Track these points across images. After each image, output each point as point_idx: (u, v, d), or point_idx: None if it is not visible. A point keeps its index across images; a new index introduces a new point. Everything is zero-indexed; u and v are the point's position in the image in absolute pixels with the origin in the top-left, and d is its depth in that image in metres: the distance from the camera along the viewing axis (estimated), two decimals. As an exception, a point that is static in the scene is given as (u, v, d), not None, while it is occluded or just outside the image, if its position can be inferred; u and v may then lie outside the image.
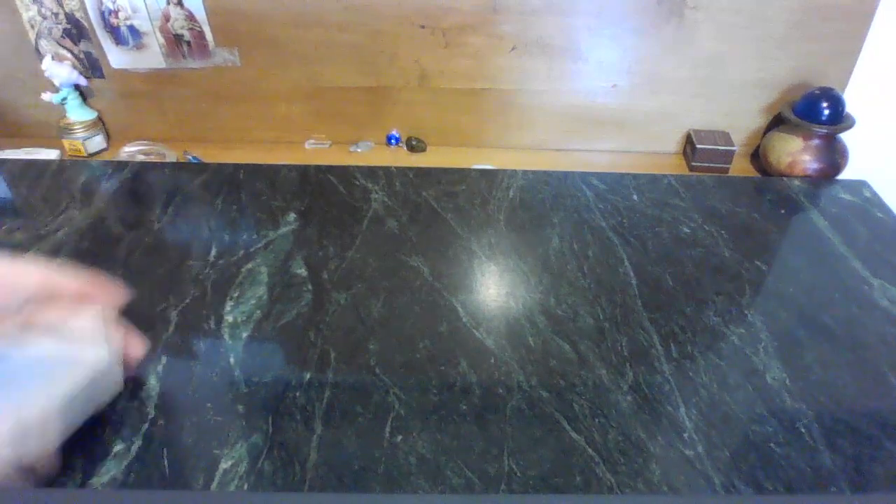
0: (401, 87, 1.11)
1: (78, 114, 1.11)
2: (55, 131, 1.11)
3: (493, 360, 0.50)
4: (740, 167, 1.13)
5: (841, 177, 1.00)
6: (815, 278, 0.59)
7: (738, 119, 1.12)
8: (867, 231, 0.66)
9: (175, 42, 1.05)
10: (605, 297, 0.56)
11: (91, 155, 1.12)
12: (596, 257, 0.61)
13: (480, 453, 0.43)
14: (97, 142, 1.13)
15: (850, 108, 1.00)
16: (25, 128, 1.16)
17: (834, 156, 1.00)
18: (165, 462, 0.42)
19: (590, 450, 0.44)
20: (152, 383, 0.48)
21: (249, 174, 0.72)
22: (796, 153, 1.00)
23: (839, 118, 0.99)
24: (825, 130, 0.98)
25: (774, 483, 0.42)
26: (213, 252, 0.60)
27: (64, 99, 1.09)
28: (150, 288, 0.56)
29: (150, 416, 0.45)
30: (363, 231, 0.64)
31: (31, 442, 0.37)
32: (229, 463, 0.42)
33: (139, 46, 1.06)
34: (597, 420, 0.46)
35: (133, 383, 0.47)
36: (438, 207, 0.67)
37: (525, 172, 0.73)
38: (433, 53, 1.06)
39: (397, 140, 1.18)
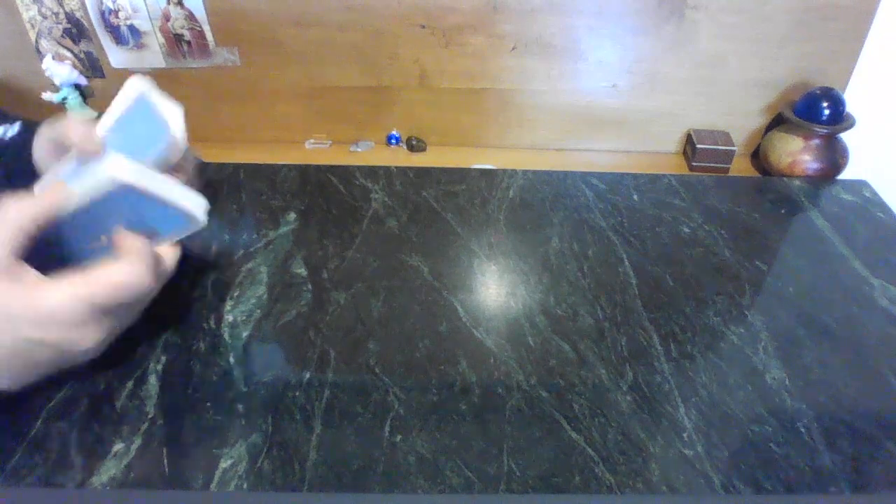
0: (401, 86, 1.11)
1: (78, 113, 1.11)
2: (55, 131, 1.11)
3: (492, 360, 0.50)
4: (740, 167, 1.13)
5: (841, 177, 1.00)
6: (815, 278, 0.59)
7: (739, 119, 1.12)
8: (867, 231, 0.66)
9: (175, 42, 1.05)
10: (605, 297, 0.56)
11: (91, 154, 1.12)
12: (596, 257, 0.61)
13: (480, 453, 0.43)
14: (97, 141, 1.13)
15: (850, 108, 1.00)
16: (26, 127, 1.16)
17: (834, 156, 1.00)
18: (165, 461, 0.42)
19: (589, 449, 0.44)
20: (152, 383, 0.48)
21: (249, 174, 0.72)
22: (796, 153, 1.00)
23: (839, 118, 0.99)
24: (825, 130, 0.98)
25: (774, 483, 0.42)
26: (214, 252, 0.60)
27: (64, 98, 1.09)
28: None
29: (149, 416, 0.45)
30: (363, 231, 0.64)
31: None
32: (229, 462, 0.42)
33: (139, 46, 1.06)
34: (596, 420, 0.46)
35: (133, 383, 0.47)
36: (438, 207, 0.67)
37: (525, 172, 0.73)
38: (433, 53, 1.06)
39: (397, 140, 1.18)
